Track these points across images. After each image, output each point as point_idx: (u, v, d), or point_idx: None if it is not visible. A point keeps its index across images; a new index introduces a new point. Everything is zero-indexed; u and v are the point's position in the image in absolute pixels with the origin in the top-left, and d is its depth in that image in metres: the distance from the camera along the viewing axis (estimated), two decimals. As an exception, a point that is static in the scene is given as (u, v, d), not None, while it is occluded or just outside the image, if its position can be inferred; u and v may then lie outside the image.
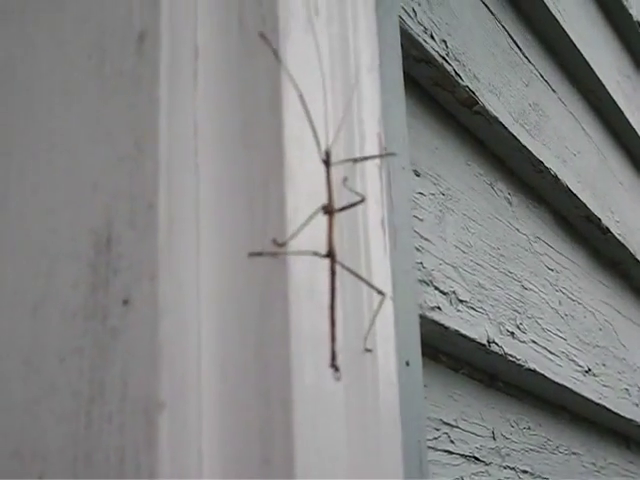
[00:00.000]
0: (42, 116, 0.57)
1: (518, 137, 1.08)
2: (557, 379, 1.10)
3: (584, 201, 1.27)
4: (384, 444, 0.57)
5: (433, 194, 0.89)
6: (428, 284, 0.82)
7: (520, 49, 1.16)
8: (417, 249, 0.82)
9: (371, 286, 0.58)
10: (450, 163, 0.95)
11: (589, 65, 1.35)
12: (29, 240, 0.55)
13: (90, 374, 0.51)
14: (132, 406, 0.49)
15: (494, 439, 0.95)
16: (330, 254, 0.54)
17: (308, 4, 0.59)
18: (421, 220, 0.85)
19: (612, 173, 1.47)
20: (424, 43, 0.86)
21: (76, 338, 0.52)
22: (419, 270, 0.81)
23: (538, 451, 1.06)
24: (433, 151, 0.92)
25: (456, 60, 0.93)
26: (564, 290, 1.21)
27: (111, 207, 0.53)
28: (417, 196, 0.85)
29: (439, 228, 0.88)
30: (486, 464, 0.91)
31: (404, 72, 0.79)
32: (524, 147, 1.09)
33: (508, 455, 0.97)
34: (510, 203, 1.10)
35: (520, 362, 0.99)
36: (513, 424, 1.01)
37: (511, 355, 0.98)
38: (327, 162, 0.55)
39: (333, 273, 0.54)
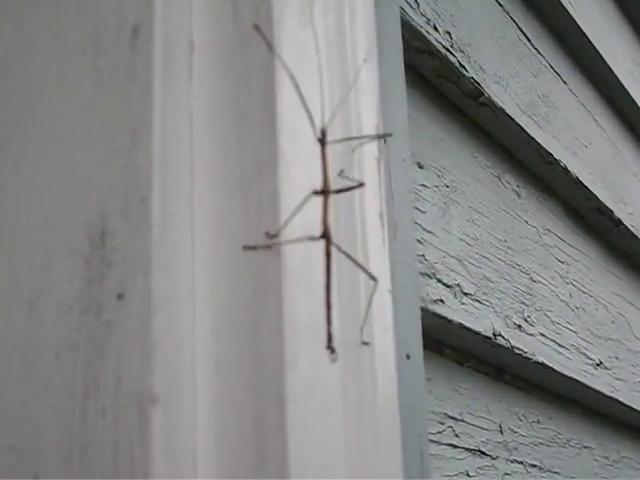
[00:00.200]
0: (37, 110, 0.57)
1: (526, 129, 1.07)
2: (566, 372, 1.09)
3: (595, 193, 1.25)
4: (382, 438, 0.57)
5: (437, 186, 0.88)
6: (431, 277, 0.82)
7: (529, 40, 1.15)
8: (419, 241, 0.81)
9: (364, 270, 0.57)
10: (455, 155, 0.95)
11: (601, 56, 1.33)
12: (24, 235, 0.55)
13: (85, 369, 0.50)
14: (126, 400, 0.49)
15: (501, 433, 0.94)
16: (325, 235, 0.53)
17: (303, -6, 0.59)
18: (424, 212, 0.84)
19: (626, 165, 1.46)
20: (427, 34, 0.85)
21: (71, 333, 0.52)
22: (421, 263, 0.80)
23: (548, 445, 1.05)
24: (437, 143, 0.91)
25: (461, 51, 0.92)
26: (575, 282, 1.20)
27: (105, 201, 0.53)
28: (420, 188, 0.84)
29: (443, 220, 0.87)
30: (492, 458, 0.91)
31: (406, 64, 0.78)
32: (532, 139, 1.08)
33: (516, 449, 0.96)
34: (519, 195, 1.09)
35: (527, 355, 0.98)
36: (521, 417, 1.00)
37: (518, 348, 0.97)
38: (322, 141, 0.54)
39: (328, 254, 0.53)
